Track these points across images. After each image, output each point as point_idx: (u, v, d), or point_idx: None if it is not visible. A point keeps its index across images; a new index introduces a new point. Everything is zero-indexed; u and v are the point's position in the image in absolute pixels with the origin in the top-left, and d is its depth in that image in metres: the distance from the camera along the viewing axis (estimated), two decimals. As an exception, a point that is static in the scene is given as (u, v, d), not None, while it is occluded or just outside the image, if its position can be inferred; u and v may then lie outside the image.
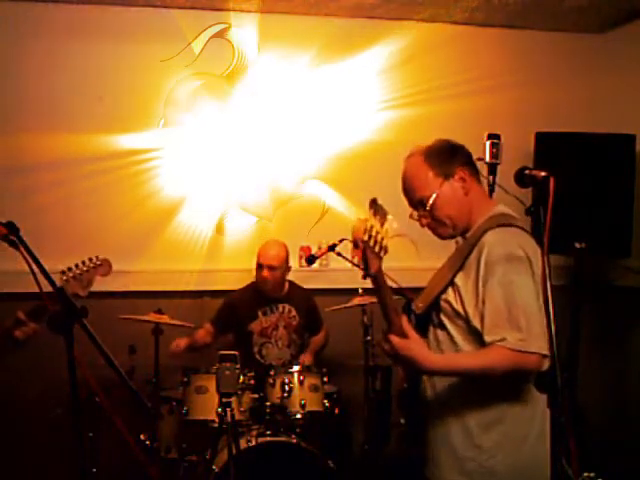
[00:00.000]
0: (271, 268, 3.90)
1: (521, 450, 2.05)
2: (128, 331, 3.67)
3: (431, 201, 2.12)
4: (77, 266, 2.52)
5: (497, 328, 1.96)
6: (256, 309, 3.98)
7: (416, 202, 2.17)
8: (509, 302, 1.97)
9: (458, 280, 2.08)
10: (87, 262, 2.57)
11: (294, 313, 4.01)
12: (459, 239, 2.23)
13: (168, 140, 4.28)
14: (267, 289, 3.95)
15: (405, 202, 2.23)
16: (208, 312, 4.12)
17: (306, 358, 3.92)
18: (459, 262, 2.11)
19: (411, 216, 2.20)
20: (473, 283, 2.04)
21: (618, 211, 4.00)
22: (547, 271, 1.78)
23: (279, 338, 3.97)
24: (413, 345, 2.02)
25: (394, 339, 2.02)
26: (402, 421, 2.27)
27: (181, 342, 3.85)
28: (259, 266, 3.93)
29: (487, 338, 1.98)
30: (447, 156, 2.16)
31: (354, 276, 4.00)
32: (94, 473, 3.25)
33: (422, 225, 2.20)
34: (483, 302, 2.00)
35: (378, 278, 2.05)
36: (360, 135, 4.49)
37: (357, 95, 4.49)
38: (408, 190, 2.20)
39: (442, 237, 2.20)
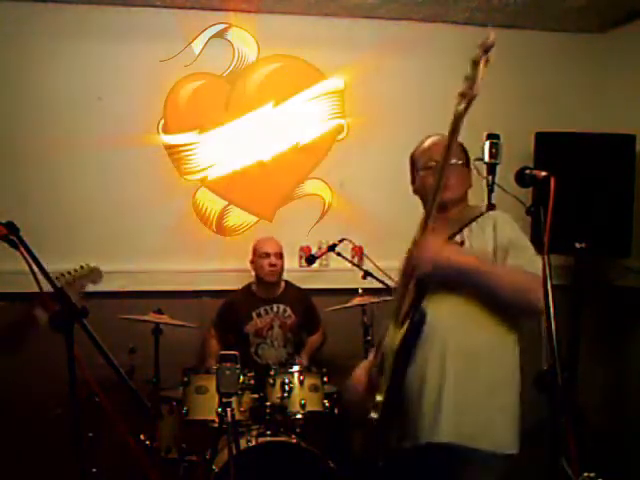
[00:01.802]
0: (277, 255, 3.97)
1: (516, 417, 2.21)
2: (128, 331, 3.67)
3: (454, 162, 2.27)
4: (70, 273, 2.54)
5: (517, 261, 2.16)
6: (250, 311, 4.00)
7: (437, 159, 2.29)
8: (528, 250, 2.20)
9: (473, 240, 2.24)
10: (79, 270, 2.60)
11: (289, 312, 4.02)
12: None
13: (169, 141, 4.29)
14: (273, 280, 3.98)
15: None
16: (208, 312, 4.12)
17: (301, 362, 3.92)
18: (457, 228, 2.28)
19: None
20: (493, 240, 2.22)
21: (618, 211, 4.00)
22: (547, 271, 1.79)
23: (275, 338, 3.98)
24: (445, 244, 2.19)
25: (429, 237, 2.15)
26: (373, 415, 2.27)
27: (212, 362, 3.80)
28: (265, 255, 3.97)
29: None
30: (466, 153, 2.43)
31: (354, 276, 4.04)
32: (94, 473, 3.24)
33: (427, 179, 2.34)
34: (506, 251, 2.19)
35: (459, 121, 2.07)
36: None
37: (356, 94, 4.49)
38: (439, 149, 2.28)
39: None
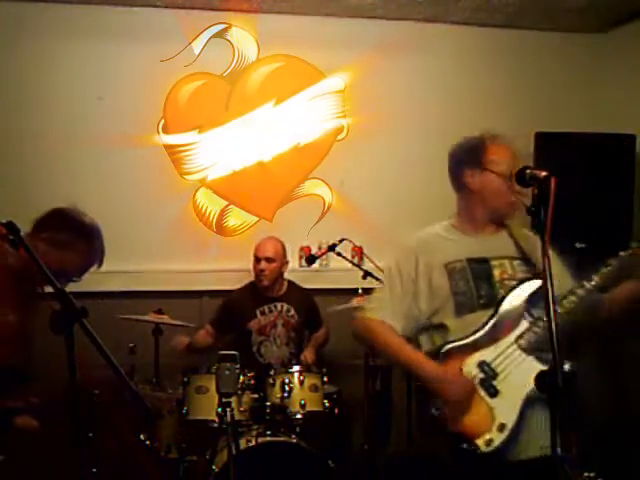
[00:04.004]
0: (268, 260, 3.92)
1: None
2: (128, 331, 3.67)
3: None
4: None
5: None
6: (254, 308, 3.98)
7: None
8: None
9: None
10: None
11: (292, 312, 4.01)
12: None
13: (169, 141, 4.29)
14: (264, 284, 3.95)
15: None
16: (208, 312, 4.12)
17: (308, 353, 3.93)
18: None
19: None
20: None
21: (618, 211, 4.00)
22: (547, 271, 1.78)
23: (277, 336, 3.97)
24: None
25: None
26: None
27: (184, 340, 3.87)
28: (256, 260, 3.96)
29: None
30: None
31: (354, 276, 4.03)
32: (94, 473, 3.24)
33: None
34: None
35: None
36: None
37: (356, 94, 4.50)
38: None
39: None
